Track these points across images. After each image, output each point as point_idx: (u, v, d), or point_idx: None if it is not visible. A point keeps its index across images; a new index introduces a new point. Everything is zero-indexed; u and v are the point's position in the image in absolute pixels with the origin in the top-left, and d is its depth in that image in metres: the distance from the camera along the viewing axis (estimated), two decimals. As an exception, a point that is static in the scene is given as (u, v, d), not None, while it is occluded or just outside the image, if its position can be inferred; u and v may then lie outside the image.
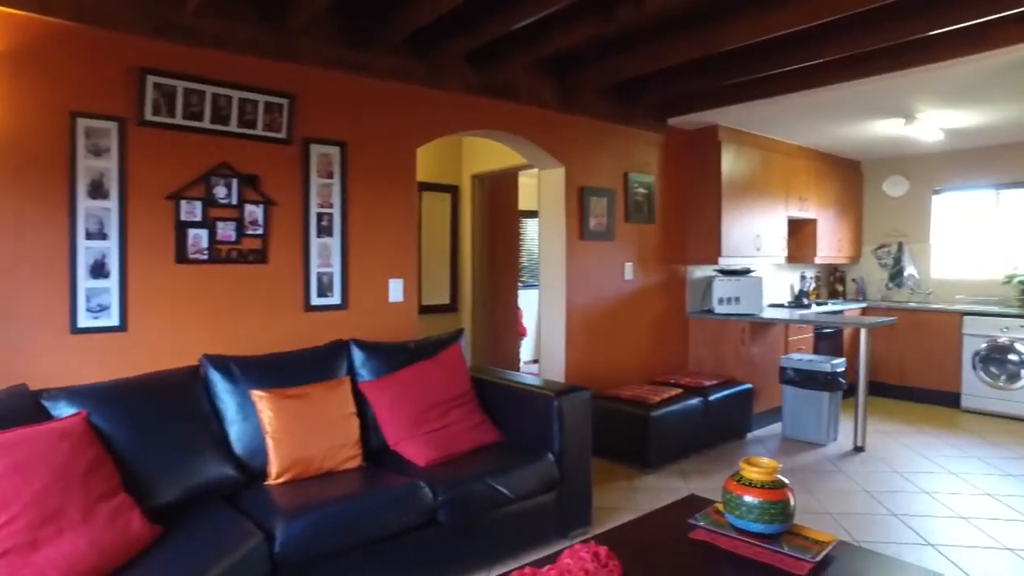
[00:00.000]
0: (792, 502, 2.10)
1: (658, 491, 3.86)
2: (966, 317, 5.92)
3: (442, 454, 2.93)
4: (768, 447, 4.85)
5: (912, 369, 6.28)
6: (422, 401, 3.09)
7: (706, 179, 5.31)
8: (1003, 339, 5.71)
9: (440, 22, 3.43)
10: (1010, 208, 6.32)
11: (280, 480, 2.63)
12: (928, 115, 5.04)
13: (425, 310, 5.50)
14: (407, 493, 2.56)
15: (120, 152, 2.82)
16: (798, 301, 6.40)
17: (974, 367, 5.87)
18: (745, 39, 3.48)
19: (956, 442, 4.98)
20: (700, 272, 5.57)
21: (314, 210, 3.41)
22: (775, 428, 5.27)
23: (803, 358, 5.00)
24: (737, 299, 5.15)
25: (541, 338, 4.75)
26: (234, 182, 3.12)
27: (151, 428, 2.43)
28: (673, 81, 4.42)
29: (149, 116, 2.86)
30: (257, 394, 2.73)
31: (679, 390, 4.56)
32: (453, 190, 5.85)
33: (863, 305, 6.64)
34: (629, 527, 2.39)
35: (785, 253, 6.01)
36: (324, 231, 3.45)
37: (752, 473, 2.10)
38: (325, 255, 3.46)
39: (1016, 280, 6.00)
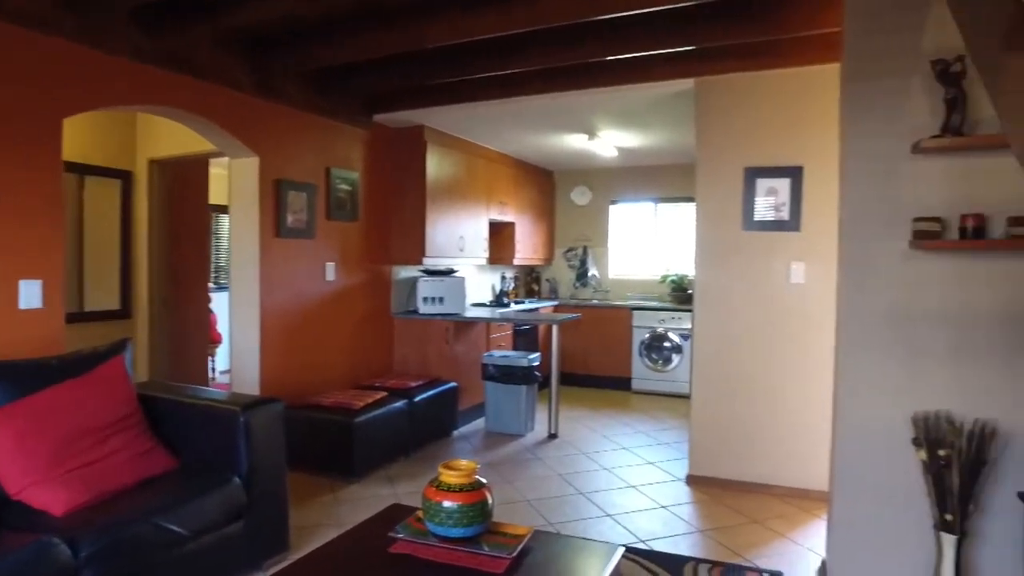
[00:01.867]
0: (490, 501, 2.09)
1: (364, 501, 3.69)
2: (635, 312, 6.84)
3: (93, 495, 2.37)
4: (473, 443, 5.00)
5: (594, 359, 7.06)
6: (66, 431, 2.47)
7: (411, 179, 5.29)
8: (660, 329, 6.71)
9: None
10: (664, 219, 7.48)
11: None
12: (606, 133, 5.68)
13: (86, 317, 4.58)
14: (29, 557, 1.96)
15: None
16: (499, 300, 6.76)
17: (640, 354, 6.81)
18: (449, 39, 3.50)
19: (628, 420, 5.69)
20: (405, 272, 5.54)
21: (-102, 188, 2.54)
22: (479, 423, 5.47)
23: (503, 355, 5.27)
24: (441, 299, 5.23)
25: (232, 346, 4.25)
26: None
27: None
28: (378, 76, 4.29)
29: None
30: None
31: (384, 393, 4.45)
32: (125, 176, 4.97)
33: (555, 303, 7.29)
34: (327, 549, 2.19)
35: (487, 254, 6.31)
36: (-84, 217, 2.60)
37: (450, 477, 2.05)
38: (-81, 248, 2.61)
39: (668, 280, 7.12)
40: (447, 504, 2.01)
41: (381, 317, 5.31)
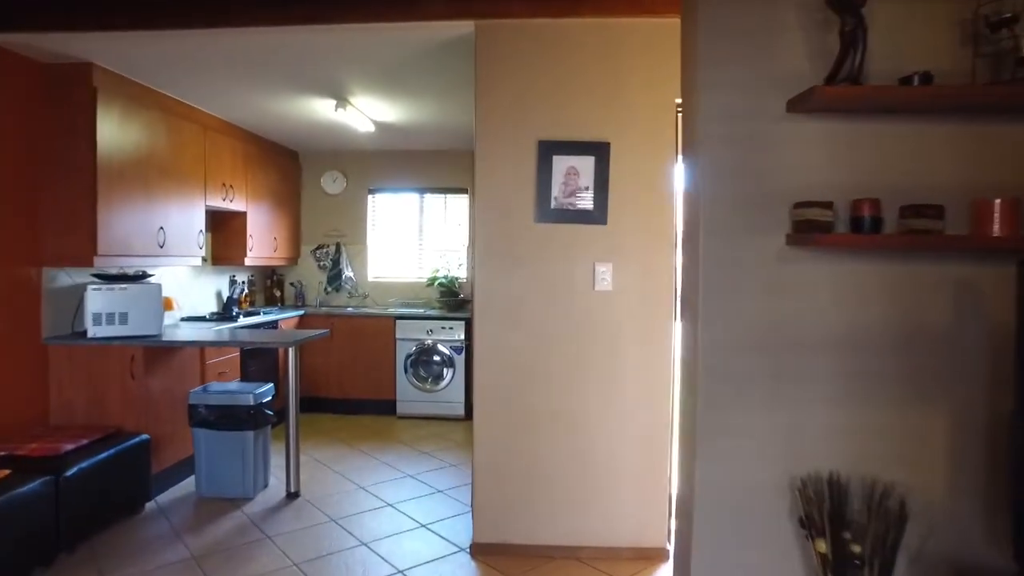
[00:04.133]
0: None
1: None
2: (399, 321, 5.76)
3: None
4: (174, 520, 3.50)
5: (351, 380, 5.83)
6: None
7: (72, 142, 3.60)
8: (429, 341, 5.71)
9: None
10: (433, 212, 6.50)
11: None
12: (359, 101, 4.52)
13: None
14: None
15: None
16: (227, 311, 5.24)
17: (406, 371, 5.75)
18: None
19: (393, 459, 4.59)
20: (70, 278, 3.82)
21: None
22: (188, 485, 3.97)
23: (220, 389, 3.85)
24: (124, 315, 3.62)
25: None
26: None
27: None
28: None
29: None
30: None
31: (5, 472, 2.80)
32: None
33: (302, 312, 5.92)
34: None
35: (204, 252, 4.74)
36: None
37: None
38: None
39: (437, 282, 6.15)
40: None
41: (24, 345, 3.55)
